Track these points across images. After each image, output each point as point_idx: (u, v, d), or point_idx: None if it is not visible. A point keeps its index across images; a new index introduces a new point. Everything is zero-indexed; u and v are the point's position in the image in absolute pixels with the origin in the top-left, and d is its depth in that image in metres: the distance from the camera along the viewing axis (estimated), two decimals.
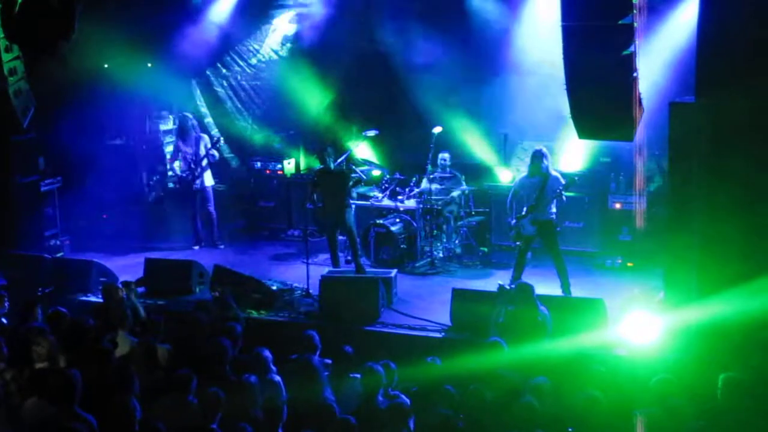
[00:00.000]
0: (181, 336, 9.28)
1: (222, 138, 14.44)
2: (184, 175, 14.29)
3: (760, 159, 9.02)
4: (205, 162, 14.21)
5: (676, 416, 7.23)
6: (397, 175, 14.09)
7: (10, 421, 7.55)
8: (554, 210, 11.64)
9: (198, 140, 14.28)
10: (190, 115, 14.41)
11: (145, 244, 14.57)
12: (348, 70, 16.00)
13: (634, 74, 8.95)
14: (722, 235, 9.14)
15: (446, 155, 14.27)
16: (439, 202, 13.68)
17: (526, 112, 14.25)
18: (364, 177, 13.70)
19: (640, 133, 9.61)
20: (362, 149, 15.04)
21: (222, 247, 14.57)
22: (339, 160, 12.96)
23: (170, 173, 14.78)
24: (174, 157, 14.38)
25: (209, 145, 14.28)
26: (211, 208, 14.49)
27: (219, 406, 7.27)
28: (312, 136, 16.08)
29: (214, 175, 14.66)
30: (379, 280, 11.45)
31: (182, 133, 14.33)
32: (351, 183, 12.65)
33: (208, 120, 16.33)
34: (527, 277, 11.83)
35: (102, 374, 8.13)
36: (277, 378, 8.37)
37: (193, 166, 14.19)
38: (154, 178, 15.05)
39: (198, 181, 14.28)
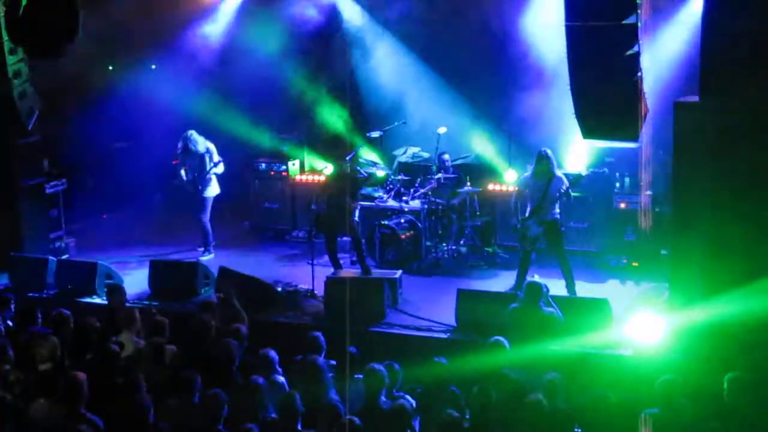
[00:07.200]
0: (187, 338, 9.29)
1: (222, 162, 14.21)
2: (188, 181, 14.17)
3: (765, 158, 9.01)
4: (210, 175, 14.08)
5: (682, 416, 7.23)
6: (402, 176, 14.09)
7: (15, 423, 7.56)
8: (558, 210, 11.64)
9: (204, 154, 14.09)
10: (194, 133, 14.20)
11: (150, 247, 14.55)
12: (352, 71, 16.03)
13: (639, 74, 8.95)
14: (727, 235, 9.15)
15: (447, 155, 14.29)
16: (444, 203, 13.68)
17: (531, 112, 14.26)
18: (365, 174, 13.62)
19: (645, 133, 9.60)
20: (366, 150, 15.03)
21: (209, 255, 14.28)
22: (343, 161, 12.93)
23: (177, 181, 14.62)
24: (179, 166, 14.26)
25: (215, 158, 14.12)
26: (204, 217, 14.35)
27: (222, 407, 7.28)
28: (316, 137, 16.07)
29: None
30: (385, 281, 11.46)
31: (185, 149, 14.13)
32: (357, 183, 12.63)
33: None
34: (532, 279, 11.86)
35: (108, 376, 8.17)
36: (282, 379, 8.39)
37: (196, 175, 14.07)
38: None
39: (200, 189, 14.13)
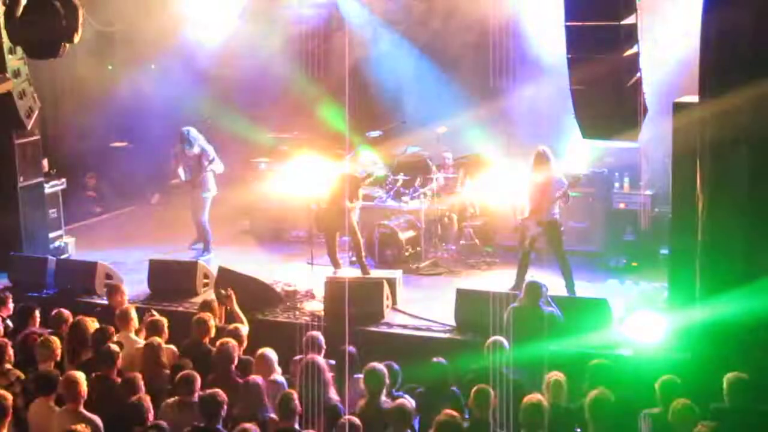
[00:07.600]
0: (186, 337, 9.29)
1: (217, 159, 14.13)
2: (185, 180, 14.13)
3: (764, 158, 8.99)
4: (208, 175, 14.01)
5: (681, 416, 7.22)
6: (402, 176, 14.07)
7: (15, 422, 7.56)
8: (557, 210, 11.63)
9: (201, 153, 14.02)
10: (193, 129, 14.14)
11: (150, 247, 14.52)
12: (351, 70, 16.02)
13: (638, 74, 8.94)
14: (726, 234, 9.11)
15: (447, 155, 14.26)
16: (444, 203, 13.67)
17: (531, 111, 14.26)
18: (364, 173, 13.59)
19: (645, 133, 9.60)
20: (366, 150, 15.02)
21: (209, 255, 14.21)
22: (342, 162, 12.92)
23: (175, 181, 14.57)
24: (176, 164, 14.22)
25: (212, 157, 14.06)
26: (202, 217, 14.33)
27: (221, 407, 7.28)
28: (316, 137, 16.07)
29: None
30: (384, 281, 11.45)
31: (183, 145, 14.06)
32: (356, 183, 12.61)
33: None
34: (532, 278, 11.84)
35: (107, 376, 8.17)
36: (281, 379, 8.39)
37: (193, 175, 14.02)
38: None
39: (199, 187, 14.08)
